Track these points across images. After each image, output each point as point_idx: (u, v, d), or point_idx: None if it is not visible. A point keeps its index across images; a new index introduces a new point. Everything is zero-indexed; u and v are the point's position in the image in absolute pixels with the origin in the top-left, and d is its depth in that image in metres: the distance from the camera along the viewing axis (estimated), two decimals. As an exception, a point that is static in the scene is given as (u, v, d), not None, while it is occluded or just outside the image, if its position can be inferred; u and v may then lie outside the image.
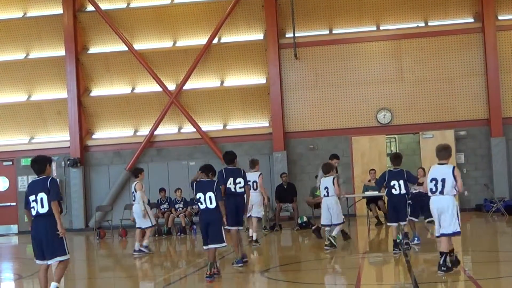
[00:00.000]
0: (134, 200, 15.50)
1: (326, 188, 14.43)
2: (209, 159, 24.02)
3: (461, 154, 23.37)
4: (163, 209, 21.54)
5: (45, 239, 9.09)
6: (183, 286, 11.21)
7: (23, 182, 25.74)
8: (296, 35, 24.06)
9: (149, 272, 13.71)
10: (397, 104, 23.98)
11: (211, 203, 10.97)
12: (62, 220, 9.26)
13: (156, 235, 20.63)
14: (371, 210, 20.50)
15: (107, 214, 23.70)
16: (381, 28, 24.55)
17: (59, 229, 9.13)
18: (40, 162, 9.39)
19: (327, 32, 24.74)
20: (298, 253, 15.62)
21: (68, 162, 24.87)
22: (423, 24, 24.31)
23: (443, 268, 10.23)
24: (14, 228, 26.08)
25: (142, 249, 15.33)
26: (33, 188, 9.22)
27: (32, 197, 9.15)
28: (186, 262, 14.62)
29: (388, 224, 13.78)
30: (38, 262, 9.29)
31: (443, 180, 10.24)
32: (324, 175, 14.57)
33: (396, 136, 26.13)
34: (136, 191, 15.34)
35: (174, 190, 21.74)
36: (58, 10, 25.80)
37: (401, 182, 13.14)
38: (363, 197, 20.75)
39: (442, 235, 10.34)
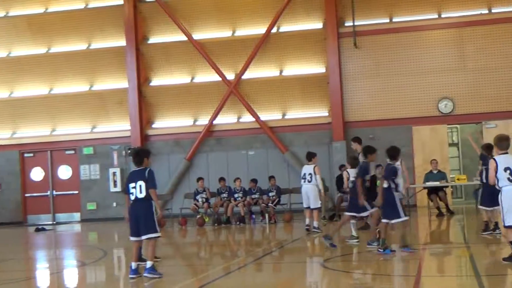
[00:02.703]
0: (310, 182, 16.68)
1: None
2: (267, 149, 24.09)
3: (525, 144, 22.79)
4: (222, 199, 21.65)
5: (142, 218, 10.42)
6: (243, 275, 11.25)
7: (85, 170, 26.22)
8: (355, 23, 23.83)
9: (208, 261, 13.81)
10: (459, 93, 23.55)
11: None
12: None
13: (216, 224, 20.76)
14: (432, 201, 20.23)
15: (167, 203, 23.91)
16: (442, 15, 24.13)
17: (158, 212, 10.73)
18: (139, 155, 10.85)
19: (387, 20, 24.43)
20: (358, 244, 15.49)
21: (129, 151, 25.17)
22: (486, 11, 23.78)
23: None
24: (77, 216, 26.58)
25: (315, 229, 16.50)
26: (133, 177, 10.62)
27: (132, 184, 10.53)
28: (245, 252, 14.68)
29: (484, 208, 13.88)
30: (132, 239, 10.60)
31: None
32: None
33: (458, 126, 25.72)
34: (315, 174, 16.63)
35: (233, 180, 21.82)
36: (119, 0, 26.14)
37: None
38: (424, 188, 20.47)
39: None
